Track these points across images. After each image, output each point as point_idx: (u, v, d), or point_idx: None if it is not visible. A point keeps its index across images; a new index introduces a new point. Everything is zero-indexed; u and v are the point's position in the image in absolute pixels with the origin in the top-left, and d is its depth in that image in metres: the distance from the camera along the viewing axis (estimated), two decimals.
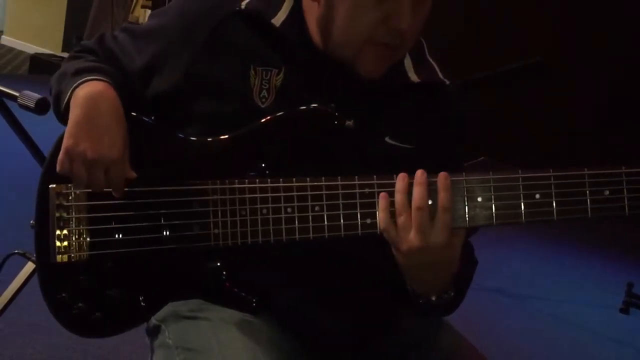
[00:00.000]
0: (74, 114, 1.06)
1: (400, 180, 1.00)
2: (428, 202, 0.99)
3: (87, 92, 1.06)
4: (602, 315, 3.15)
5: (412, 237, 0.99)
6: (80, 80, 1.08)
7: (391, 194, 1.02)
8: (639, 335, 3.05)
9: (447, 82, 1.19)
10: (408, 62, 1.17)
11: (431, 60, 1.21)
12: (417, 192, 0.99)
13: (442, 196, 0.99)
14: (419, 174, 1.00)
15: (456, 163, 1.18)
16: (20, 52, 6.13)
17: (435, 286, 1.08)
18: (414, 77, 1.16)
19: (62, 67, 1.17)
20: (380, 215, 1.01)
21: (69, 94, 1.08)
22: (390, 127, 1.14)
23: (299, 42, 1.13)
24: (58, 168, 1.06)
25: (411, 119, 1.16)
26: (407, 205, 0.99)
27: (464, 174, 1.01)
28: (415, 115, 1.16)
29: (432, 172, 1.01)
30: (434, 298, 1.08)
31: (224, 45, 1.12)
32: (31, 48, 6.00)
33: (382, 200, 1.01)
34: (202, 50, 1.12)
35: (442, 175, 0.99)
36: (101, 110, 1.05)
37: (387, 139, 1.14)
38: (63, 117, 1.10)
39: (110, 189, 1.08)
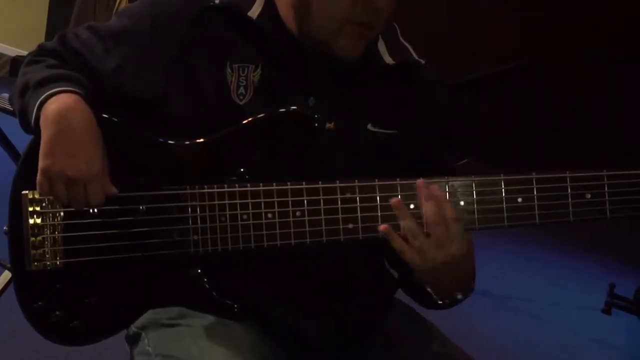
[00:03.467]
0: (46, 133, 1.02)
1: (401, 208, 1.00)
2: (443, 217, 0.98)
3: (57, 108, 1.02)
4: (585, 315, 3.17)
5: (434, 255, 0.99)
6: (47, 94, 1.03)
7: (370, 199, 1.02)
8: (620, 335, 3.08)
9: (423, 62, 1.19)
10: (382, 46, 1.17)
11: (404, 42, 1.20)
12: (429, 208, 0.99)
13: (447, 208, 0.99)
14: (423, 188, 0.99)
15: (444, 145, 1.19)
16: (1, 55, 6.05)
17: (461, 286, 1.09)
18: (389, 60, 1.16)
19: (22, 77, 1.11)
20: (397, 244, 1.00)
21: (35, 109, 1.04)
22: (371, 114, 1.14)
23: (275, 34, 1.11)
24: (38, 189, 1.03)
25: (391, 103, 1.16)
26: (418, 228, 0.99)
27: (446, 177, 1.02)
28: (395, 99, 1.16)
29: (418, 156, 1.03)
30: (460, 296, 1.09)
31: (198, 43, 1.10)
32: (12, 50, 5.93)
33: (387, 231, 1.00)
34: (177, 50, 1.10)
35: (434, 187, 0.99)
36: (74, 127, 1.02)
37: (369, 126, 1.13)
38: (32, 132, 1.06)
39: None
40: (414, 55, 1.19)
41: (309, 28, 1.09)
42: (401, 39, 1.20)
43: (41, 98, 1.03)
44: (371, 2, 1.04)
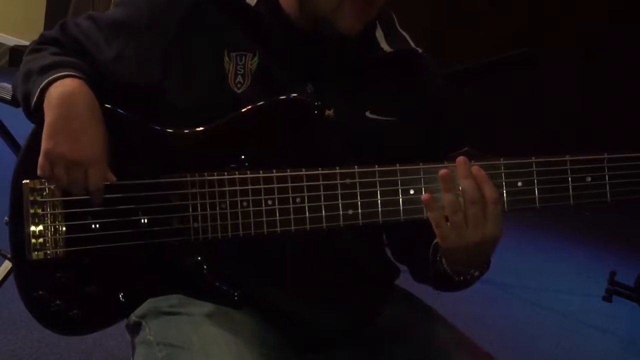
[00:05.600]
0: (49, 115, 1.03)
1: (449, 180, 0.98)
2: (480, 196, 0.97)
3: (61, 91, 1.03)
4: (585, 303, 3.17)
5: (469, 234, 0.97)
6: (50, 78, 1.04)
7: (369, 184, 1.01)
8: (621, 322, 3.08)
9: (420, 51, 1.19)
10: (379, 34, 1.17)
11: (402, 31, 1.20)
12: (467, 186, 0.97)
13: (487, 188, 0.97)
14: (465, 165, 0.97)
15: (440, 133, 1.18)
16: (0, 44, 6.03)
17: (480, 264, 1.07)
18: (386, 48, 1.16)
19: (25, 64, 1.12)
20: (432, 215, 0.98)
21: (37, 93, 1.05)
22: (370, 101, 1.14)
23: (274, 22, 1.11)
24: (39, 172, 1.04)
25: (389, 91, 1.16)
26: (459, 204, 0.97)
27: (445, 162, 1.01)
28: (393, 87, 1.16)
29: (417, 143, 1.03)
30: (477, 273, 1.07)
31: (196, 31, 1.10)
32: (11, 40, 5.91)
33: (429, 201, 0.97)
34: (175, 39, 1.10)
35: (476, 168, 0.98)
36: (78, 110, 1.03)
37: (367, 113, 1.13)
38: (34, 117, 1.07)
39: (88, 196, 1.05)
40: (412, 43, 1.19)
41: (311, 5, 1.08)
42: (399, 28, 1.21)
43: (44, 83, 1.04)
44: None
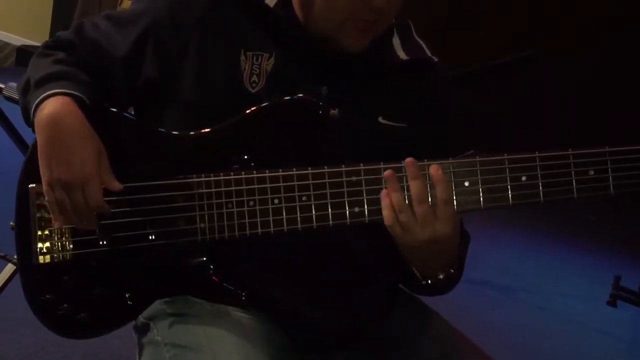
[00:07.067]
0: (39, 139, 1.04)
1: (392, 181, 0.99)
2: (428, 196, 0.98)
3: (47, 113, 1.03)
4: (590, 307, 3.16)
5: (418, 232, 0.99)
6: (41, 97, 1.05)
7: (375, 182, 1.01)
8: (625, 327, 3.07)
9: (435, 59, 1.20)
10: (396, 41, 1.18)
11: (418, 39, 1.21)
12: (415, 186, 0.98)
13: (439, 189, 0.98)
14: (412, 167, 0.99)
15: (449, 136, 1.20)
16: (6, 44, 6.05)
17: (443, 266, 1.08)
18: (402, 55, 1.17)
19: (28, 70, 1.12)
20: (385, 213, 1.00)
21: (32, 113, 1.06)
22: (383, 107, 1.15)
23: (290, 25, 1.12)
24: (47, 198, 1.04)
25: (402, 97, 1.16)
26: (404, 203, 0.99)
27: (450, 158, 1.01)
28: (406, 93, 1.17)
29: (426, 150, 1.02)
30: (441, 276, 1.08)
31: (214, 28, 1.11)
32: (17, 40, 5.92)
33: (384, 198, 1.00)
34: (192, 35, 1.10)
35: (433, 168, 0.99)
36: (63, 132, 1.02)
37: (380, 119, 1.14)
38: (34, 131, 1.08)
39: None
40: (427, 52, 1.20)
41: (313, 21, 1.10)
42: (415, 36, 1.22)
43: (36, 102, 1.05)
44: (372, 0, 1.04)
